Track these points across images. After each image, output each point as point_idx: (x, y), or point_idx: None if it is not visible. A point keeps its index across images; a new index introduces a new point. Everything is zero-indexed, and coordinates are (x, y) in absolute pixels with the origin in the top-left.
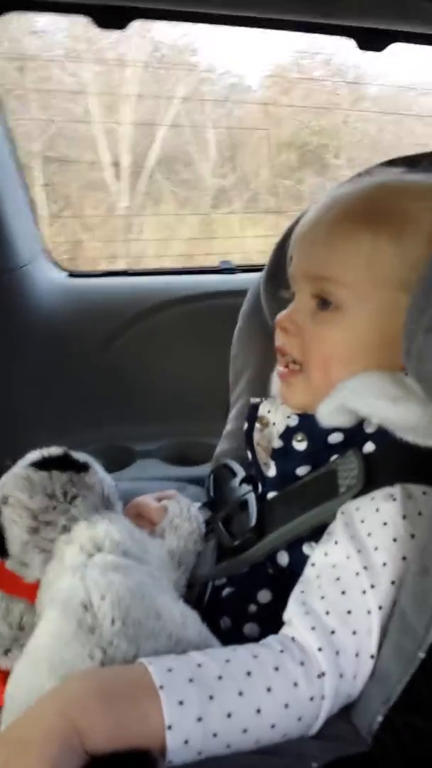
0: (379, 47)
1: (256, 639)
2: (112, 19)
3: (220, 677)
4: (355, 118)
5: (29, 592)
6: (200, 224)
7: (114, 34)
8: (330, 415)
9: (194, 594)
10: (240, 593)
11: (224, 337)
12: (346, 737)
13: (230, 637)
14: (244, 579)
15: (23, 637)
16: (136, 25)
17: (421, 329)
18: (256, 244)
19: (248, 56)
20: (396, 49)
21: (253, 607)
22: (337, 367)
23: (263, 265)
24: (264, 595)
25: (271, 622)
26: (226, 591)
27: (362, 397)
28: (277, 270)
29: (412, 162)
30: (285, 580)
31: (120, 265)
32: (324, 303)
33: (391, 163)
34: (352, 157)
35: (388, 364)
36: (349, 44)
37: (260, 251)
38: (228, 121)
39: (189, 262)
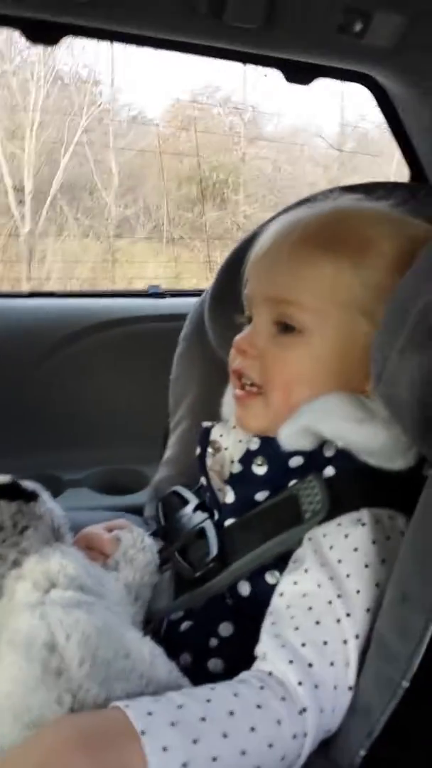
0: (305, 80)
1: (221, 675)
2: (44, 34)
3: (203, 719)
4: (252, 155)
5: None
6: (104, 251)
7: (16, 59)
8: (292, 437)
9: (150, 630)
10: (199, 627)
11: (153, 362)
12: None
13: (193, 674)
14: (202, 612)
15: None
16: (38, 52)
17: (394, 352)
18: (158, 272)
19: (150, 90)
20: (292, 90)
21: (214, 641)
22: (299, 390)
23: (193, 290)
24: (225, 628)
25: (234, 656)
26: (185, 625)
27: (327, 419)
28: (223, 293)
29: (366, 189)
30: (246, 611)
31: (24, 288)
32: (285, 327)
33: (346, 189)
34: (250, 192)
35: (348, 387)
36: (247, 83)
37: (164, 279)
38: (130, 152)
39: (93, 286)
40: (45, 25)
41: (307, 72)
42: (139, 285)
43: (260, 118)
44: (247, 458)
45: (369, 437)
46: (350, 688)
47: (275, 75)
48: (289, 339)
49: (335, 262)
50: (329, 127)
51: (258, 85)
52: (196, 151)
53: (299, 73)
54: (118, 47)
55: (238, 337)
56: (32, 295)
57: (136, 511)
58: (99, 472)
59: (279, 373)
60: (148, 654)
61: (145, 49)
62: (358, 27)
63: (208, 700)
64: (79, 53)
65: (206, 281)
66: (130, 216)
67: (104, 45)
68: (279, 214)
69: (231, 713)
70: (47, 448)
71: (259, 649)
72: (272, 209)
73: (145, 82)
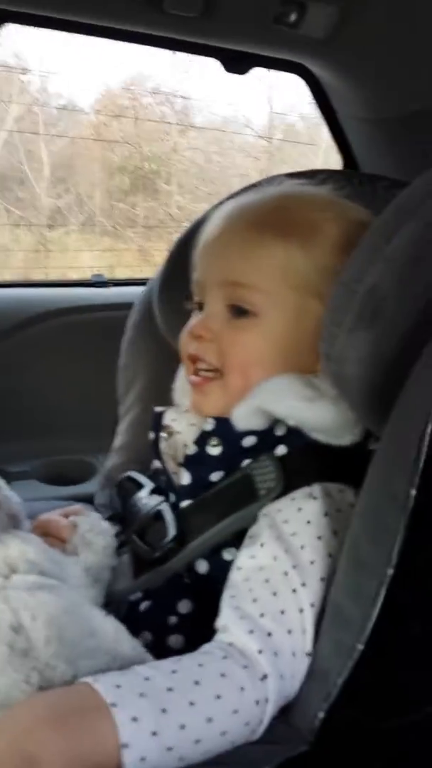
0: (242, 70)
1: (182, 651)
2: None
3: (170, 689)
4: (183, 146)
5: None
6: (36, 243)
7: None
8: (245, 417)
9: (110, 611)
10: (158, 606)
11: (99, 351)
12: (288, 739)
13: (154, 651)
14: (161, 591)
15: None
16: None
17: (343, 331)
18: (92, 263)
19: (80, 79)
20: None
21: (173, 619)
22: (255, 372)
23: (137, 279)
24: (184, 605)
25: (194, 632)
26: (144, 605)
27: (279, 399)
28: (171, 280)
29: (309, 175)
30: (204, 588)
31: None
32: (239, 310)
33: (290, 175)
34: (182, 183)
35: (301, 368)
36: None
37: (98, 269)
38: (61, 141)
39: (26, 277)
40: None
41: (243, 62)
42: (74, 276)
43: (191, 109)
44: (202, 439)
45: (319, 415)
46: (308, 654)
47: (206, 64)
48: (244, 322)
49: (285, 245)
50: (257, 119)
51: (188, 76)
52: (128, 140)
53: (236, 63)
54: (48, 35)
55: (191, 323)
56: None
57: (86, 500)
58: (46, 462)
59: (236, 355)
60: (113, 631)
61: (82, 36)
62: (293, 17)
63: (174, 671)
64: (6, 42)
65: (140, 272)
66: (62, 206)
67: (33, 33)
68: (225, 200)
69: (196, 683)
70: None
71: (220, 622)
72: (204, 200)
73: (75, 71)
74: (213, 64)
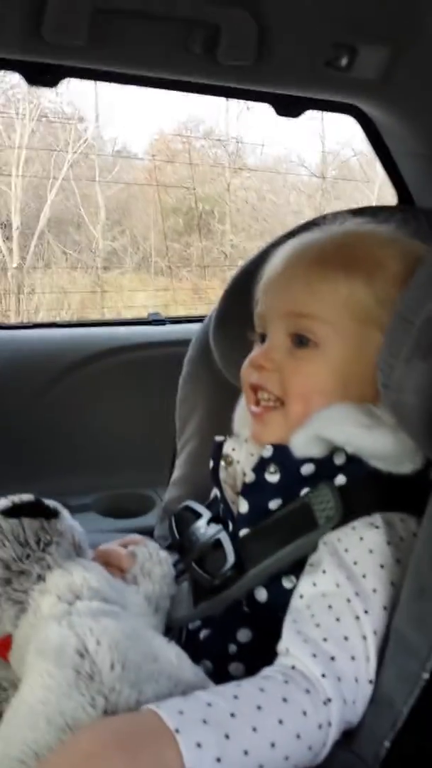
0: (294, 113)
1: (242, 678)
2: (43, 76)
3: (232, 714)
4: (236, 186)
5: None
6: (92, 284)
7: (1, 98)
8: (303, 444)
9: (170, 639)
10: (218, 634)
11: (156, 387)
12: (351, 766)
13: (214, 679)
14: (220, 619)
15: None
16: (23, 90)
17: (400, 361)
18: (147, 302)
19: (133, 124)
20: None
21: (233, 647)
22: (317, 401)
23: (193, 317)
24: (243, 634)
25: (254, 660)
26: (204, 633)
27: (338, 426)
28: (228, 315)
29: (371, 213)
30: (263, 617)
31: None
32: (301, 340)
33: (353, 213)
34: (235, 222)
35: (359, 398)
36: (230, 115)
37: (153, 308)
38: (116, 185)
39: (82, 317)
40: (45, 68)
41: (296, 105)
42: (129, 315)
43: (243, 150)
44: (261, 467)
45: (377, 442)
46: (371, 682)
47: (258, 107)
48: (306, 352)
49: (349, 279)
50: (311, 156)
51: (240, 117)
52: (182, 183)
53: (289, 107)
54: (101, 85)
55: (254, 354)
56: (35, 326)
57: (145, 532)
58: (106, 496)
59: (298, 385)
60: (175, 657)
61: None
62: (344, 61)
63: (236, 697)
64: (63, 90)
65: (195, 310)
66: (117, 248)
67: (89, 82)
68: (284, 236)
69: (259, 707)
70: (54, 475)
71: (281, 646)
72: (258, 237)
73: (129, 117)
74: (265, 108)
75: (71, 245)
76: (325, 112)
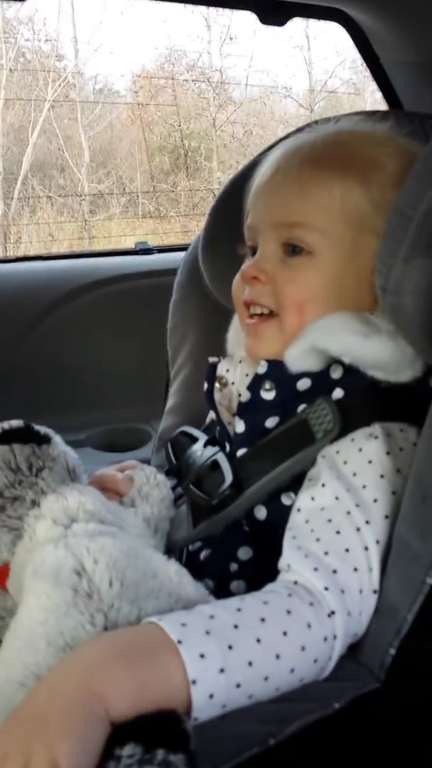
0: (279, 21)
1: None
2: None
3: (235, 626)
4: (222, 121)
5: None
6: (79, 229)
7: None
8: (299, 358)
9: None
10: (219, 554)
11: (146, 318)
12: (358, 677)
13: (217, 596)
14: (220, 539)
15: None
16: None
17: (399, 260)
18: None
19: (114, 60)
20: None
21: (234, 566)
22: (312, 310)
23: (181, 245)
24: (244, 552)
25: (255, 577)
26: (204, 553)
27: (334, 336)
28: (216, 233)
29: (367, 114)
30: (264, 534)
31: None
32: (294, 249)
33: (348, 115)
34: (222, 159)
35: (356, 307)
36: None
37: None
38: (99, 125)
39: None
40: None
41: (280, 12)
42: None
43: (228, 83)
44: (256, 384)
45: (376, 350)
46: (375, 592)
47: (242, 37)
48: (299, 260)
49: (343, 181)
50: (298, 87)
51: (223, 50)
52: (166, 120)
53: (273, 14)
54: (80, 20)
55: (244, 266)
56: (20, 259)
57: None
58: (100, 431)
59: (292, 294)
60: (175, 573)
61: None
62: None
63: (239, 609)
64: (40, 28)
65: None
66: (103, 191)
67: (67, 17)
68: (277, 142)
69: (262, 619)
70: (45, 411)
71: (283, 562)
72: None
73: (109, 53)
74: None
75: (56, 189)
76: (312, 44)
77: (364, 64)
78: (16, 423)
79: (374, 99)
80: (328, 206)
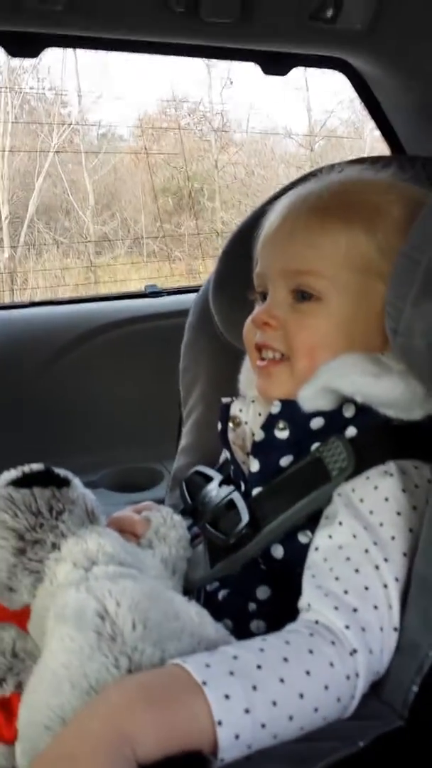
0: (281, 71)
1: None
2: (24, 47)
3: (259, 666)
4: (224, 162)
5: (18, 619)
6: (85, 271)
7: None
8: (312, 397)
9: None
10: (237, 593)
11: (157, 359)
12: (381, 715)
13: (236, 637)
14: (238, 579)
15: (18, 665)
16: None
17: (408, 303)
18: (142, 287)
19: (117, 107)
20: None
21: (253, 605)
22: (323, 353)
23: (190, 287)
24: (262, 592)
25: (275, 616)
26: (222, 593)
27: (346, 376)
28: (227, 277)
29: (370, 161)
30: (281, 573)
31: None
32: (303, 296)
33: (351, 162)
34: (225, 199)
35: (365, 348)
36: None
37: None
38: (103, 168)
39: None
40: (25, 39)
41: (282, 62)
42: None
43: (230, 125)
44: (270, 423)
45: (387, 389)
46: (395, 629)
47: (241, 79)
48: (308, 306)
49: (348, 229)
50: (297, 127)
51: (224, 94)
52: (169, 162)
53: (275, 64)
54: (83, 67)
55: (256, 312)
56: (32, 304)
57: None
58: (113, 472)
59: (303, 339)
60: (196, 614)
61: (122, 55)
62: (330, 12)
63: (261, 650)
64: (44, 75)
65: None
66: (108, 232)
67: (70, 65)
68: (281, 191)
69: (285, 659)
70: (59, 453)
71: (303, 602)
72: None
73: (112, 101)
74: (251, 73)
75: (61, 232)
76: (311, 85)
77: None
78: (36, 466)
79: (373, 137)
80: (334, 254)
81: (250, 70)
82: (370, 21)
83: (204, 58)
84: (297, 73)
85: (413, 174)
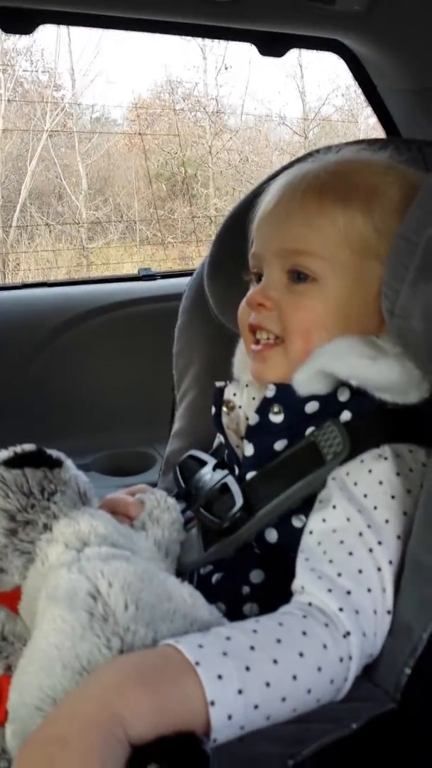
0: (278, 52)
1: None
2: (19, 23)
3: (252, 647)
4: (219, 148)
5: (8, 600)
6: (78, 256)
7: None
8: (307, 381)
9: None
10: (230, 577)
11: (150, 343)
12: (374, 697)
13: (229, 620)
14: (231, 562)
15: (6, 648)
16: None
17: (405, 285)
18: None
19: (111, 91)
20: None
21: (246, 589)
22: (318, 336)
23: (184, 270)
24: (256, 575)
25: (268, 599)
26: (216, 577)
27: (341, 359)
28: (221, 259)
29: (367, 143)
30: (275, 557)
31: None
32: (298, 276)
33: (348, 143)
34: (219, 185)
35: (361, 330)
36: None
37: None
38: (96, 153)
39: None
40: (19, 13)
41: (279, 44)
42: None
43: (224, 111)
44: (264, 407)
45: (383, 372)
46: (389, 612)
47: (237, 64)
48: (304, 287)
49: (346, 209)
50: (292, 114)
51: (219, 80)
52: (163, 148)
53: (272, 45)
54: (77, 51)
55: (250, 293)
56: (25, 285)
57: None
58: (105, 455)
59: (298, 320)
60: (189, 596)
61: (117, 34)
62: None
63: (255, 631)
64: (38, 58)
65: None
66: (101, 218)
67: (64, 48)
68: (279, 171)
69: (278, 641)
70: (51, 436)
71: (296, 584)
72: None
73: (107, 83)
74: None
75: (54, 217)
76: (305, 70)
77: (359, 91)
78: (28, 447)
79: (368, 125)
80: (332, 234)
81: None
82: (368, 3)
83: (200, 38)
84: (291, 59)
85: (409, 156)
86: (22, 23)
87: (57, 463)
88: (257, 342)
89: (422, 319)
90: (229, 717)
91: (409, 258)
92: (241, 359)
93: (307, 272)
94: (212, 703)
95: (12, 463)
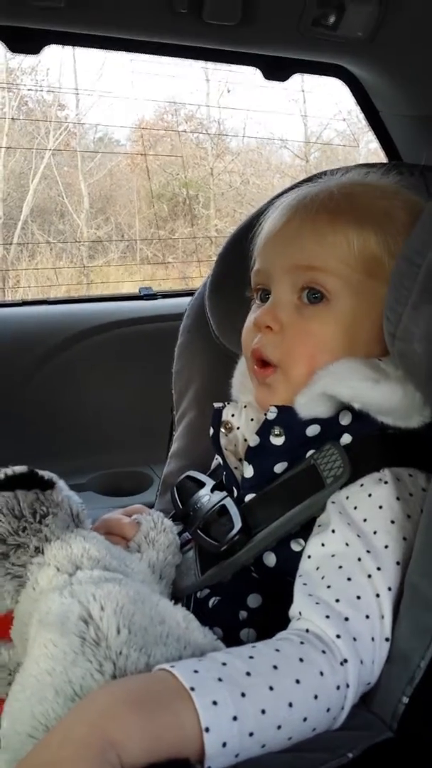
0: (282, 77)
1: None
2: (26, 43)
3: (248, 673)
4: (220, 170)
5: (1, 624)
6: (78, 275)
7: None
8: (309, 404)
9: None
10: (228, 601)
11: (149, 362)
12: (371, 726)
13: (226, 645)
14: (229, 586)
15: None
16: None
17: (407, 307)
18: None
19: (115, 111)
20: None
21: (243, 613)
22: (321, 359)
23: (184, 291)
24: (253, 600)
25: (266, 625)
26: (213, 601)
27: (344, 382)
28: (223, 280)
29: (369, 167)
30: (273, 581)
31: None
32: (312, 294)
33: (354, 167)
34: (220, 207)
35: (365, 352)
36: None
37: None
38: (99, 172)
39: None
40: (27, 34)
41: (283, 68)
42: None
43: (226, 133)
44: (265, 429)
45: (385, 396)
46: (387, 640)
47: (239, 88)
48: (315, 309)
49: (360, 230)
50: (294, 137)
51: (221, 102)
52: (165, 169)
53: (276, 70)
54: (82, 71)
55: (259, 313)
56: (25, 303)
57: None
58: (102, 475)
59: (302, 346)
60: (182, 619)
61: (122, 57)
62: (332, 19)
63: (251, 657)
64: (42, 77)
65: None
66: (102, 236)
67: (68, 68)
68: (281, 194)
69: (275, 667)
70: (48, 455)
71: (294, 610)
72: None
73: (110, 104)
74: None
75: (55, 235)
76: (308, 94)
77: (360, 116)
78: (19, 469)
79: (368, 150)
80: (347, 254)
81: (248, 79)
82: (372, 29)
83: (204, 61)
84: (294, 84)
85: (413, 181)
86: (29, 43)
87: (49, 485)
88: (261, 366)
89: (423, 343)
90: (224, 744)
91: (412, 280)
92: (240, 380)
93: (321, 290)
94: (207, 730)
95: (3, 485)
